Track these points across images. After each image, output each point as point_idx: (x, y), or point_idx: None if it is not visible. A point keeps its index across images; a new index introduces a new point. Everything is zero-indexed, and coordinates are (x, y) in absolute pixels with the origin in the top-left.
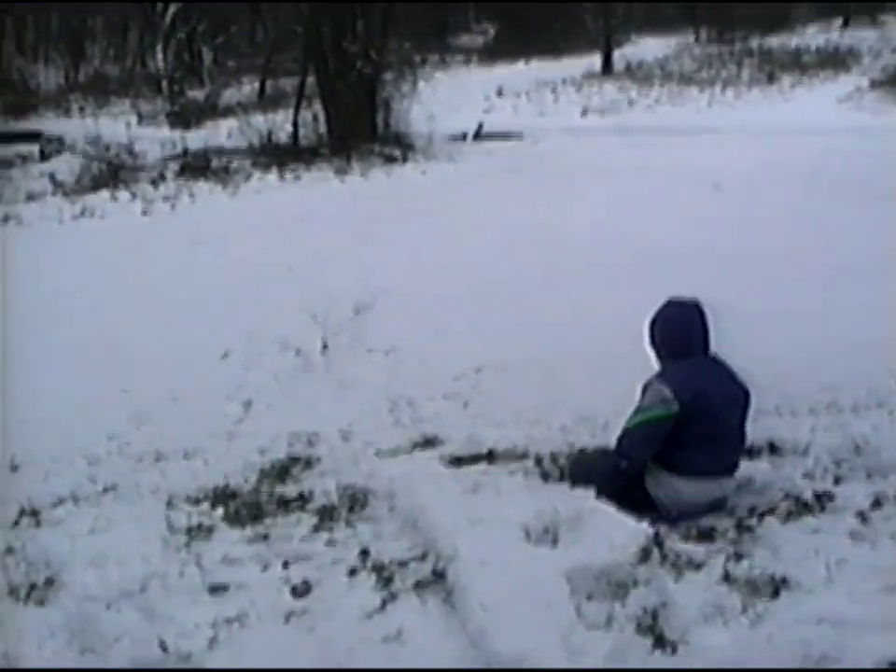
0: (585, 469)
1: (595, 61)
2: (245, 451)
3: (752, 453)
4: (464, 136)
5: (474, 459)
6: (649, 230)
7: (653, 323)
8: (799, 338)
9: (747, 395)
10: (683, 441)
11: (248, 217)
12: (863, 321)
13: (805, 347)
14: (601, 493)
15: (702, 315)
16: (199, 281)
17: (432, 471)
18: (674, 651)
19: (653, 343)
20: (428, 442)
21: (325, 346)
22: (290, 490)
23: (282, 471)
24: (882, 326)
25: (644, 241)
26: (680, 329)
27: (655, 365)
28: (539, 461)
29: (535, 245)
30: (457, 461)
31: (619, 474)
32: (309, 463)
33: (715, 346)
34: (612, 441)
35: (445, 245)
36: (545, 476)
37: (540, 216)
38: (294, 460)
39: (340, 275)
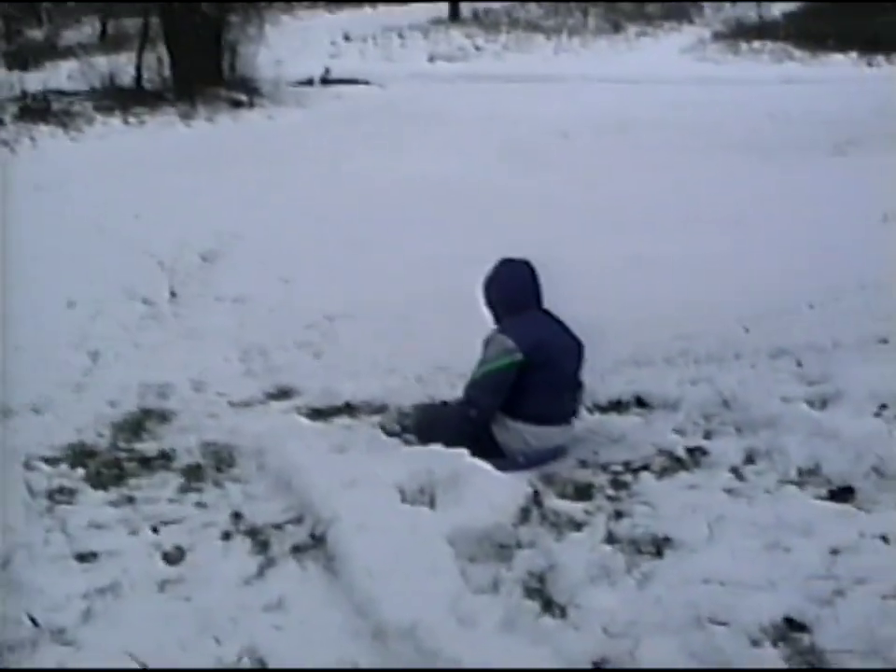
0: (430, 421)
1: (443, 7)
2: (96, 403)
3: (620, 406)
4: (311, 82)
5: (333, 412)
6: (496, 177)
7: (489, 282)
8: (650, 286)
9: (580, 346)
10: (527, 389)
11: (92, 162)
12: (713, 269)
13: (655, 296)
14: (450, 443)
15: (533, 272)
16: (42, 229)
17: (297, 427)
18: (563, 614)
19: (489, 302)
20: (283, 393)
21: (173, 294)
22: (150, 447)
23: (136, 426)
24: (731, 275)
25: (492, 189)
26: (515, 287)
27: (492, 323)
28: (403, 414)
29: (385, 192)
30: (316, 413)
31: (467, 423)
32: (164, 417)
33: (563, 295)
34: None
35: (295, 192)
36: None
37: (388, 162)
38: (147, 413)
39: (187, 223)
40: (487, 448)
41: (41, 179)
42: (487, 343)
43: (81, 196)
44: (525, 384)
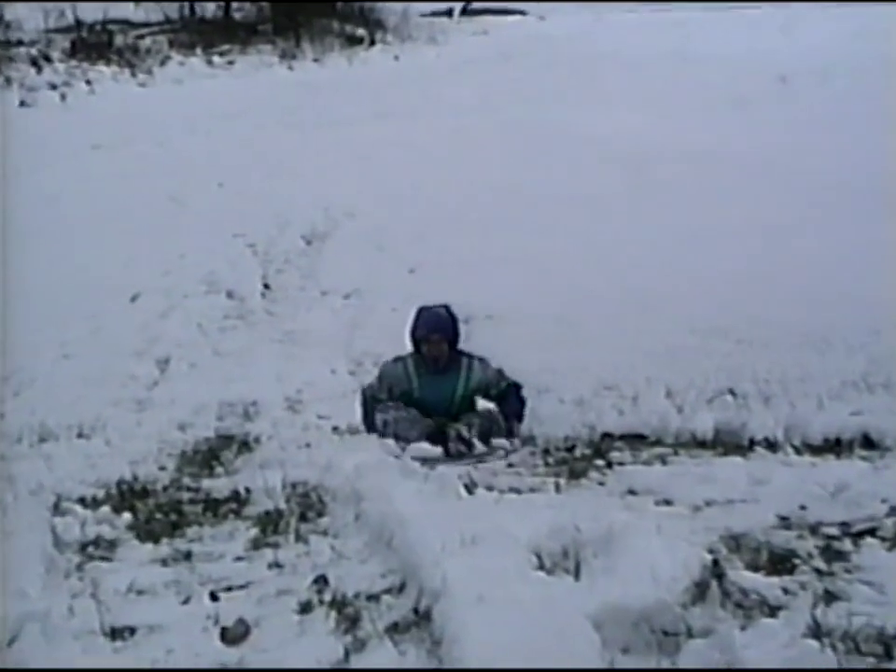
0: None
1: None
2: (161, 426)
3: (841, 446)
4: (449, 13)
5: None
6: (702, 137)
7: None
8: None
9: None
10: None
11: (165, 113)
12: None
13: None
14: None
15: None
16: (100, 199)
17: (408, 463)
18: None
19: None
20: None
21: (266, 287)
22: (221, 486)
23: (209, 456)
24: None
25: (700, 152)
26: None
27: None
28: (545, 451)
29: (544, 155)
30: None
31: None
32: (246, 445)
33: None
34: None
35: (425, 156)
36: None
37: (547, 115)
38: (226, 440)
39: (286, 194)
40: None
41: (100, 135)
42: (483, 366)
43: (151, 158)
44: None
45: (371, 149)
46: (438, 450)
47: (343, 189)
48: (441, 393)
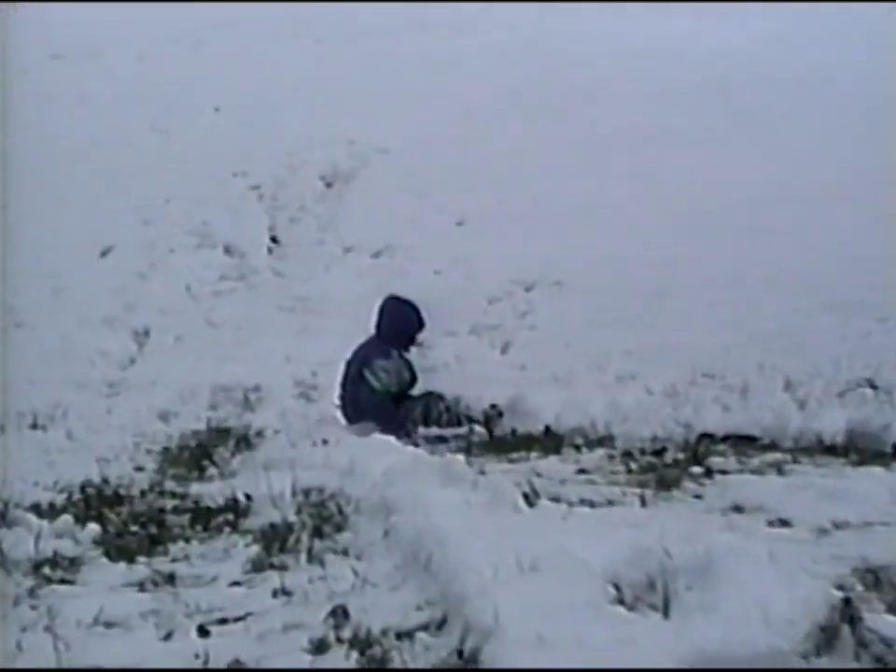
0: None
1: None
2: (138, 416)
3: None
4: None
5: (523, 443)
6: None
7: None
8: None
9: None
10: None
11: (143, 18)
12: None
13: None
14: None
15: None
16: (61, 126)
17: (449, 467)
18: None
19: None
20: None
21: (274, 241)
22: (214, 491)
23: (199, 454)
24: None
25: None
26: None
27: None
28: (626, 454)
29: (621, 80)
30: (493, 445)
31: None
32: (246, 441)
33: None
34: None
35: (476, 78)
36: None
37: (634, 29)
38: (220, 434)
39: (300, 124)
40: None
41: (60, 43)
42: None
43: (124, 71)
44: None
45: (407, 68)
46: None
47: (372, 118)
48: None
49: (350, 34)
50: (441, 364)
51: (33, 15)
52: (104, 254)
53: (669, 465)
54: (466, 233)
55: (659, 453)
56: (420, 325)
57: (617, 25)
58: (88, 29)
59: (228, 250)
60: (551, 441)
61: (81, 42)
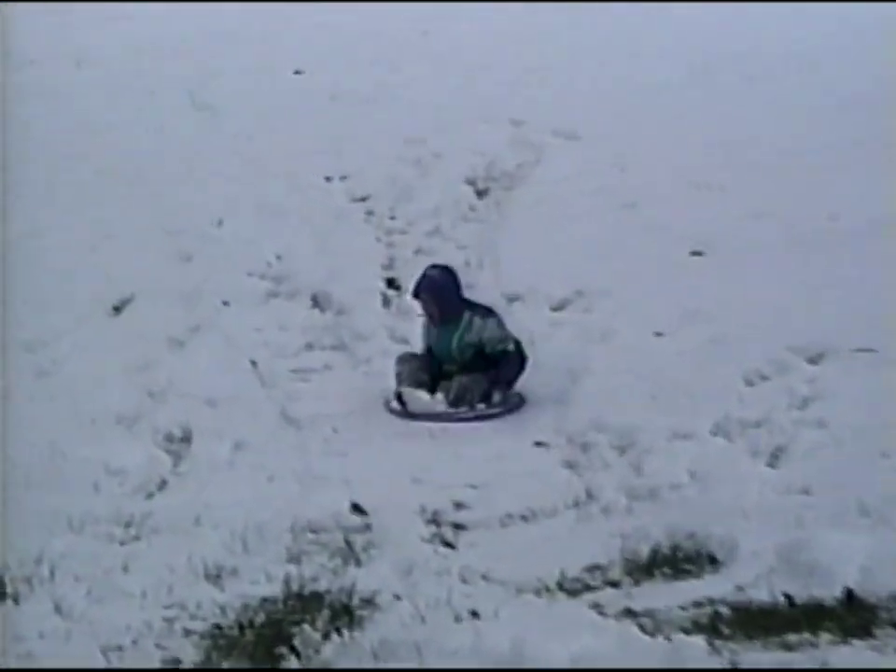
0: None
1: None
2: (172, 574)
3: None
4: None
5: (806, 616)
6: None
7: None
8: None
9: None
10: None
11: None
12: None
13: None
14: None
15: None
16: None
17: (688, 654)
18: None
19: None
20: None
21: (393, 286)
22: None
23: (271, 636)
24: None
25: None
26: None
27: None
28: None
29: None
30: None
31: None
32: (348, 613)
33: None
34: None
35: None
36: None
37: None
38: (306, 602)
39: (426, 95)
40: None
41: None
42: (480, 327)
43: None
44: None
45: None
46: (426, 397)
47: (542, 85)
48: (443, 345)
49: None
50: (667, 484)
51: None
52: (117, 309)
53: None
54: (703, 269)
55: None
56: (414, 287)
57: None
58: None
59: (317, 302)
60: (853, 617)
61: None
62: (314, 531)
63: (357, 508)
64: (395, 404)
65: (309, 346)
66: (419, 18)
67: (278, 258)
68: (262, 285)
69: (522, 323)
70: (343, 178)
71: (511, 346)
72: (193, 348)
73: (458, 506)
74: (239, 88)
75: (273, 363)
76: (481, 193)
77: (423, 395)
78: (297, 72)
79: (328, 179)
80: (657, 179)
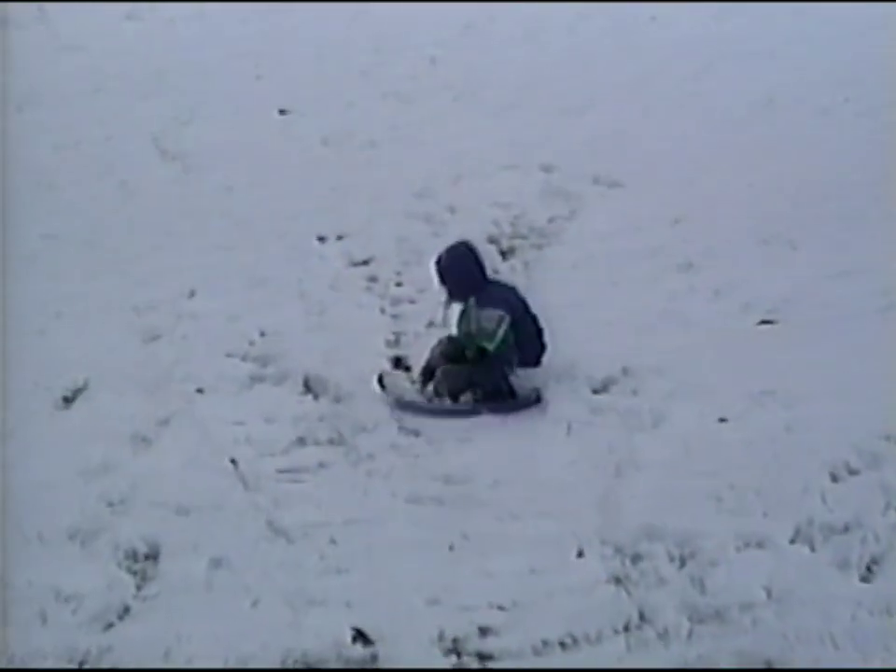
0: (463, 380)
1: None
2: None
3: None
4: None
5: None
6: None
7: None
8: None
9: (525, 302)
10: (518, 341)
11: None
12: None
13: None
14: (481, 398)
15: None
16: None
17: None
18: None
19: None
20: None
21: (400, 367)
22: None
23: None
24: None
25: None
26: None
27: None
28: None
29: None
30: None
31: (503, 378)
32: None
33: None
34: None
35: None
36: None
37: None
38: None
39: (436, 128)
40: (505, 393)
41: None
42: (476, 316)
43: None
44: (517, 338)
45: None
46: (406, 384)
47: (577, 125)
48: (457, 330)
49: None
50: (737, 604)
51: None
52: (67, 400)
53: None
54: (775, 341)
55: None
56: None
57: None
58: None
59: (310, 388)
60: None
61: None
62: (309, 665)
63: (360, 636)
64: (375, 386)
65: (301, 441)
66: (425, 42)
67: (262, 335)
68: (244, 367)
69: (558, 408)
70: (339, 238)
71: (490, 346)
72: (161, 446)
73: (484, 631)
74: (213, 131)
75: (257, 462)
76: (506, 254)
77: (404, 381)
78: (282, 111)
79: (321, 240)
80: (717, 234)
